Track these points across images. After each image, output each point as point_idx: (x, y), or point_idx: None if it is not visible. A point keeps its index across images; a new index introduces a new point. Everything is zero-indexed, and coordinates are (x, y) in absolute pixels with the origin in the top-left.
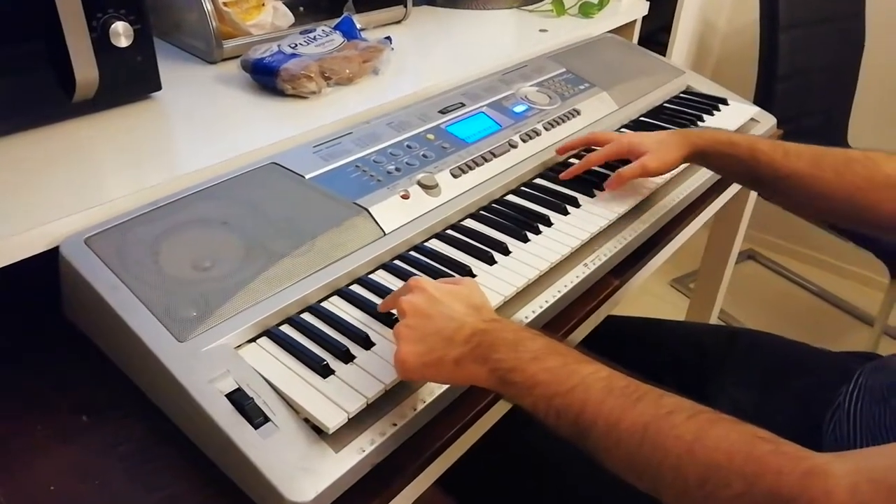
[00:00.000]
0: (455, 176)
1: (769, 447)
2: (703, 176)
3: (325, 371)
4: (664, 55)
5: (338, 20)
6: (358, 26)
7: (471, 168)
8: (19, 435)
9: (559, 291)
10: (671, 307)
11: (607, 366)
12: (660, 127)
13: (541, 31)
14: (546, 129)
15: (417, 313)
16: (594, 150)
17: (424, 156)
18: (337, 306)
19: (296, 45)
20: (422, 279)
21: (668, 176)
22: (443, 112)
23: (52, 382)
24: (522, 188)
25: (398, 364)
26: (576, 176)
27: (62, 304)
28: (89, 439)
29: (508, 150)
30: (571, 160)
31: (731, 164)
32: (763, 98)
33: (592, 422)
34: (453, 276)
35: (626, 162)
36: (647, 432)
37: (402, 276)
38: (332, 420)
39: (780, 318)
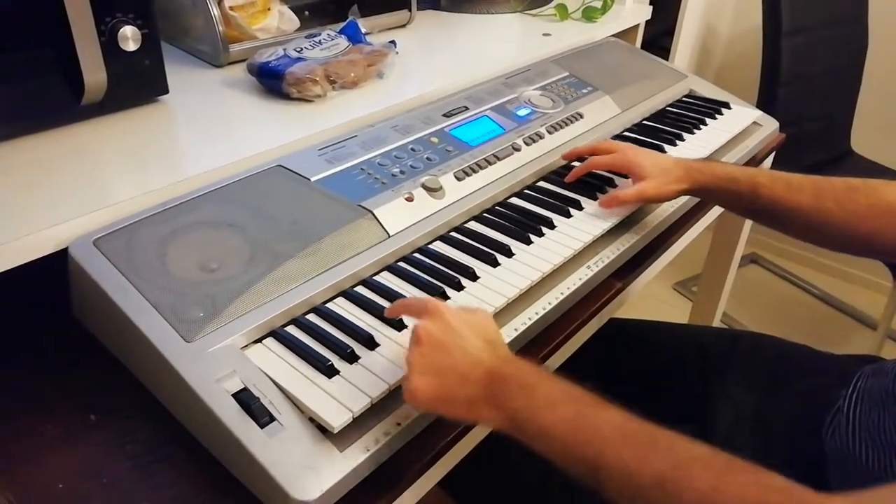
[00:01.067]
0: (459, 179)
1: (781, 497)
2: None
3: (330, 371)
4: (667, 59)
5: (343, 24)
6: (363, 30)
7: (474, 171)
8: (28, 434)
9: (562, 293)
10: (674, 310)
11: (614, 399)
12: (663, 130)
13: (544, 35)
14: (549, 132)
15: (434, 343)
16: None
17: (428, 158)
18: (342, 307)
19: (301, 49)
20: (440, 303)
21: None
22: (447, 115)
23: (61, 382)
24: (525, 191)
25: (408, 395)
26: (579, 179)
27: (71, 304)
28: (97, 438)
29: (512, 154)
30: (575, 163)
31: (731, 199)
32: (766, 102)
33: (609, 474)
34: (457, 277)
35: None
36: (665, 484)
37: (407, 277)
38: (337, 419)
39: (783, 322)
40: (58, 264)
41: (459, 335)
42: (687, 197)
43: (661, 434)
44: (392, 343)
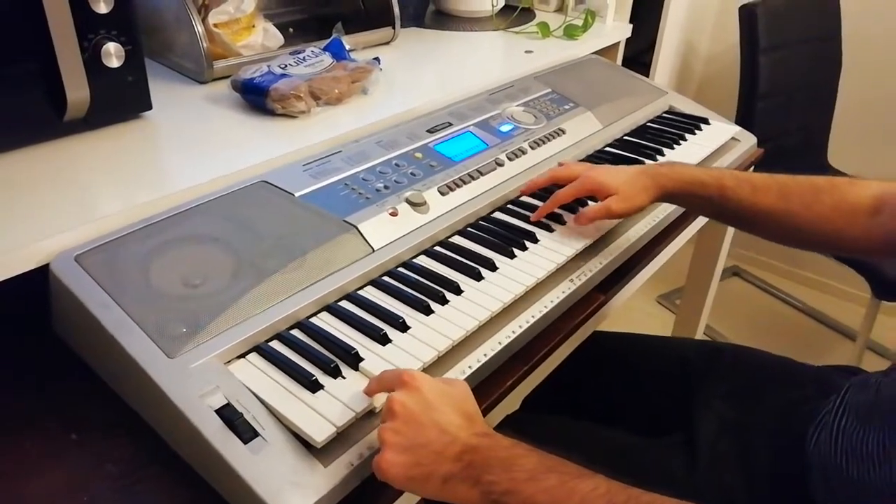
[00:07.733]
0: (443, 193)
1: None
2: None
3: (314, 386)
4: (647, 76)
5: (327, 41)
6: (347, 47)
7: (458, 186)
8: (8, 453)
9: (545, 307)
10: (658, 323)
11: (586, 457)
12: (643, 146)
13: (526, 52)
14: (532, 147)
15: (408, 418)
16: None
17: (412, 174)
18: (326, 322)
19: (285, 66)
20: (416, 374)
21: None
22: (430, 131)
23: (41, 400)
24: (509, 206)
25: (380, 473)
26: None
27: (52, 321)
28: (79, 457)
29: (495, 169)
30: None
31: (700, 203)
32: (744, 118)
33: None
34: (441, 291)
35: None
36: None
37: (391, 292)
38: (321, 434)
39: (764, 334)
40: (38, 280)
41: (436, 409)
42: (669, 210)
43: (650, 499)
44: (377, 358)
